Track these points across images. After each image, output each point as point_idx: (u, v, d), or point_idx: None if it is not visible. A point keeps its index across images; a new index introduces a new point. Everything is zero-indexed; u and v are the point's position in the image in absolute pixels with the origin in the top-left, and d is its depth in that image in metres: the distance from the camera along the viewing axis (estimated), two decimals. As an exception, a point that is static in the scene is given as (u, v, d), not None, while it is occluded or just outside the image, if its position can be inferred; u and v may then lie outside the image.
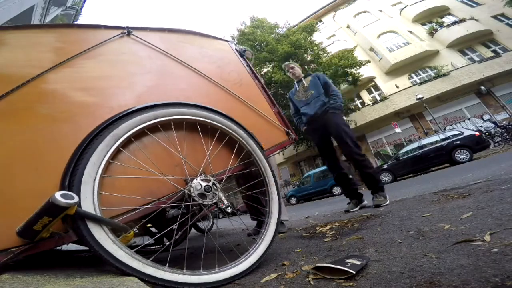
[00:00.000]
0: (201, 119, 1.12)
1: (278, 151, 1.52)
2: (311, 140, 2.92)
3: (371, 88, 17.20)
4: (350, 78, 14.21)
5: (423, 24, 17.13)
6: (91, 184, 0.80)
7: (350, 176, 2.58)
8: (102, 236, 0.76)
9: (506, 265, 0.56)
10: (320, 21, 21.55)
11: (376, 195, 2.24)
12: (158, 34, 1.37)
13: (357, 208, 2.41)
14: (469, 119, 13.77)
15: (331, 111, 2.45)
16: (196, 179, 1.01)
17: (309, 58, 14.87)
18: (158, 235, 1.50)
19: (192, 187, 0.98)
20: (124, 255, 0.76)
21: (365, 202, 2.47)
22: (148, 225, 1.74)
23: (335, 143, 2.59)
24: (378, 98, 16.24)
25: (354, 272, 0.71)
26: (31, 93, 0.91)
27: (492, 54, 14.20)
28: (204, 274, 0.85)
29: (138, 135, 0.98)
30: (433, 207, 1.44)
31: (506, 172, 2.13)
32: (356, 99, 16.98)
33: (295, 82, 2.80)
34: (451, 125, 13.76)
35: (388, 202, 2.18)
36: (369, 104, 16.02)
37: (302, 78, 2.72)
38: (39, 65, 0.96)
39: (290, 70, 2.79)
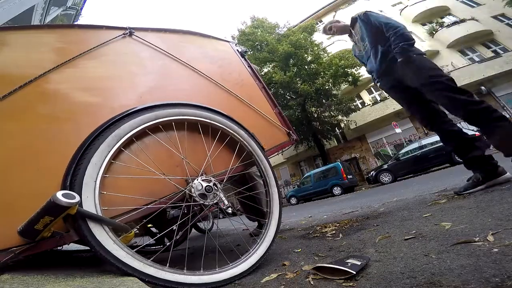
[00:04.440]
0: (202, 119, 1.13)
1: (278, 152, 1.52)
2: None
3: (371, 88, 17.17)
4: (350, 78, 14.22)
5: (423, 25, 17.11)
6: (93, 184, 0.80)
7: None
8: (103, 236, 0.76)
9: (506, 265, 0.56)
10: (321, 21, 21.52)
11: None
12: (159, 34, 1.37)
13: (483, 186, 1.53)
14: (469, 119, 13.75)
15: (399, 59, 1.69)
16: (197, 179, 1.01)
17: (309, 58, 14.87)
18: (158, 235, 1.50)
19: (193, 187, 0.98)
20: (125, 255, 0.76)
21: (508, 175, 1.51)
22: (149, 225, 1.74)
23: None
24: (379, 99, 16.22)
25: (355, 272, 0.71)
26: (33, 93, 0.91)
27: (492, 54, 14.19)
28: (205, 274, 0.85)
29: (140, 135, 0.99)
30: (433, 207, 1.44)
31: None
32: (356, 99, 16.95)
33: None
34: (451, 125, 13.73)
35: None
36: (369, 104, 16.02)
37: (351, 29, 2.05)
38: (40, 66, 0.96)
39: (332, 31, 2.08)
